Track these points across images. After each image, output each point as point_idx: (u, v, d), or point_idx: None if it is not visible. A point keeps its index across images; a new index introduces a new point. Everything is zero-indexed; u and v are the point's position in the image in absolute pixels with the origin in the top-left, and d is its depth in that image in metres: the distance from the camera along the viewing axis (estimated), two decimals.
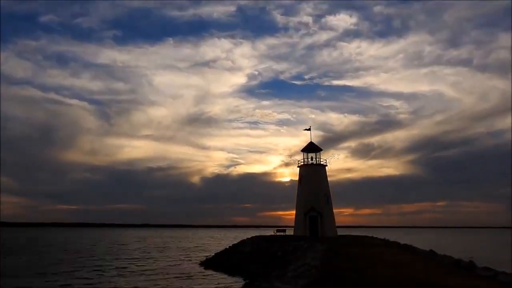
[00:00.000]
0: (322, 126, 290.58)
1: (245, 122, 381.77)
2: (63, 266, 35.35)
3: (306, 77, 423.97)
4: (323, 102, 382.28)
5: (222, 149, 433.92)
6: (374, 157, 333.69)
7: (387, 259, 18.25)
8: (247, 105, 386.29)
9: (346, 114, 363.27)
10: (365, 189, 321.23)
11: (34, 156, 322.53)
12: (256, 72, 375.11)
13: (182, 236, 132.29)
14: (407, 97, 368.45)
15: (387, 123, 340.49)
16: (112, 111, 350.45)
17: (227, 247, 42.05)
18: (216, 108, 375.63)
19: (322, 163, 43.35)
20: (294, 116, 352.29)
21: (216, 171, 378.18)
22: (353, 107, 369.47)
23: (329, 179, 43.58)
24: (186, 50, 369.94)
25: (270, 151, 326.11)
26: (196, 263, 38.42)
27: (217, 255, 39.37)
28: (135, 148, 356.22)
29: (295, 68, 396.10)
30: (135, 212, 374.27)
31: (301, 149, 44.85)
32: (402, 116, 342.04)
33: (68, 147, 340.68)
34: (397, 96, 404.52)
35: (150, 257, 45.84)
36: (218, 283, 26.18)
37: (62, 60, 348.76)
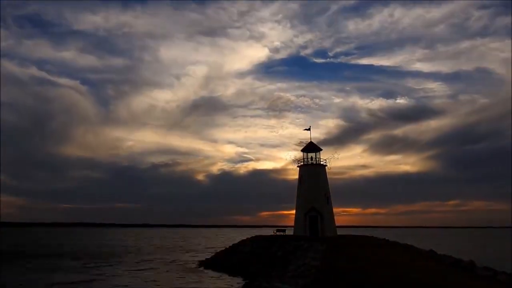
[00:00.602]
0: (345, 114, 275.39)
1: (259, 109, 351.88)
2: None
3: (330, 54, 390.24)
4: (348, 83, 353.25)
5: (231, 142, 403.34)
6: (395, 152, 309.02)
7: (387, 258, 18.26)
8: (262, 87, 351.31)
9: (373, 99, 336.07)
10: (376, 188, 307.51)
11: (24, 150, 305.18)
12: (276, 45, 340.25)
13: (183, 236, 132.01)
14: (446, 77, 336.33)
15: (419, 110, 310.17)
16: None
17: (227, 247, 42.04)
18: (228, 91, 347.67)
19: (322, 163, 43.38)
20: (315, 101, 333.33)
21: (224, 167, 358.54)
22: (383, 88, 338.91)
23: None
24: (193, 15, 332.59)
25: (284, 145, 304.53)
26: (196, 263, 38.41)
27: (217, 255, 39.35)
28: (137, 142, 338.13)
29: (319, 42, 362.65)
30: (134, 211, 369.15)
31: (301, 148, 44.89)
32: (437, 101, 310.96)
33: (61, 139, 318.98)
34: (435, 76, 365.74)
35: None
36: (218, 283, 26.19)
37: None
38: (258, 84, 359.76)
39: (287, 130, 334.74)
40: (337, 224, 43.98)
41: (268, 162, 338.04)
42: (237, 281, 26.18)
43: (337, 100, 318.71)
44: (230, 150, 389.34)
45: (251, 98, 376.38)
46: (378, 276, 12.51)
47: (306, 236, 39.09)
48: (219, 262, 35.25)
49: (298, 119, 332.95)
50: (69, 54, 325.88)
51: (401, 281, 11.54)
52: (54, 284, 25.67)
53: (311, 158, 43.81)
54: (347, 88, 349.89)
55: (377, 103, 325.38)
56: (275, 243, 34.00)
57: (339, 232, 44.61)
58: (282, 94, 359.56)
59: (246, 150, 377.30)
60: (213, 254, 42.34)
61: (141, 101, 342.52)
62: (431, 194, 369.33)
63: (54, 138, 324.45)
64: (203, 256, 43.70)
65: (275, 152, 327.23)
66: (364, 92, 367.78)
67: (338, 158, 44.21)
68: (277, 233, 46.81)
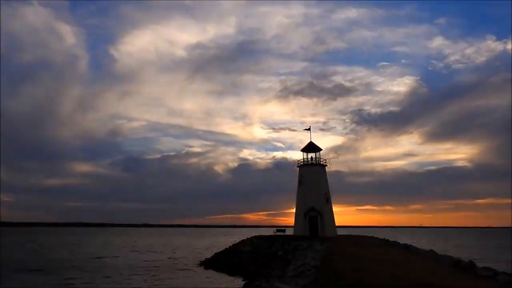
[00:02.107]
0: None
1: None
2: None
3: None
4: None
5: (262, 122, 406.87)
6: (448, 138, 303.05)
7: (387, 259, 18.26)
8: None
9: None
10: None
11: None
12: None
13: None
14: None
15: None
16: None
17: (227, 247, 42.03)
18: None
19: (322, 163, 43.37)
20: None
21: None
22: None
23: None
24: None
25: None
26: (196, 263, 38.41)
27: (217, 255, 39.36)
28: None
29: None
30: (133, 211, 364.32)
31: (301, 148, 44.88)
32: None
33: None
34: None
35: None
36: (218, 283, 26.19)
37: None
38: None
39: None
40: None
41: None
42: (237, 281, 26.19)
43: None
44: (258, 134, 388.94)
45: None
46: (378, 276, 12.52)
47: (306, 236, 39.10)
48: (219, 262, 35.26)
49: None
50: None
51: (401, 281, 11.55)
52: None
53: (311, 158, 43.82)
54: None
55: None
56: (275, 243, 34.02)
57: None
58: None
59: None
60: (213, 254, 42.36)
61: None
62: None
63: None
64: (203, 256, 43.70)
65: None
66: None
67: (338, 158, 44.22)
68: (277, 233, 46.83)
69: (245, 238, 43.14)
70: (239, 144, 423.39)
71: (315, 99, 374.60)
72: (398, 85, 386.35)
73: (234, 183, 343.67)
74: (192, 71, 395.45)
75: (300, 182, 43.11)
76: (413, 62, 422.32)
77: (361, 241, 35.47)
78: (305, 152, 44.15)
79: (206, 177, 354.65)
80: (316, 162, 43.39)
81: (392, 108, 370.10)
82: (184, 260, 42.36)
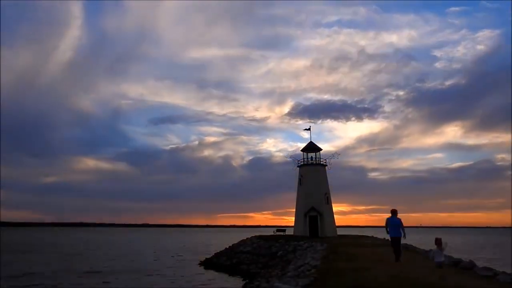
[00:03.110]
0: None
1: None
2: None
3: None
4: None
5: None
6: None
7: (387, 258, 18.25)
8: None
9: None
10: None
11: None
12: None
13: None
14: None
15: None
16: None
17: (227, 247, 42.05)
18: None
19: (322, 162, 43.41)
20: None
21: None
22: None
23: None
24: None
25: None
26: (196, 263, 38.42)
27: (217, 255, 39.37)
28: None
29: None
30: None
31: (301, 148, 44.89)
32: None
33: None
34: None
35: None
36: (218, 283, 26.18)
37: None
38: None
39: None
40: None
41: None
42: (237, 281, 26.19)
43: None
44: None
45: None
46: (377, 276, 12.52)
47: (306, 236, 39.14)
48: (219, 262, 35.27)
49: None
50: None
51: (401, 281, 11.54)
52: None
53: (311, 158, 43.89)
54: None
55: None
56: (275, 243, 34.03)
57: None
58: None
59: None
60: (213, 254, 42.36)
61: None
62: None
63: None
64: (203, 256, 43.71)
65: None
66: None
67: (338, 158, 44.29)
68: (277, 233, 46.88)
69: (244, 238, 43.17)
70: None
71: None
72: None
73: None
74: None
75: (300, 182, 43.16)
76: None
77: (362, 241, 35.47)
78: (305, 152, 44.21)
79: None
80: (316, 162, 43.44)
81: None
82: (184, 260, 42.37)
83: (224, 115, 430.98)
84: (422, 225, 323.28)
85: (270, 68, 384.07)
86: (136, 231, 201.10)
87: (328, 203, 42.31)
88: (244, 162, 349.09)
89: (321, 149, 44.15)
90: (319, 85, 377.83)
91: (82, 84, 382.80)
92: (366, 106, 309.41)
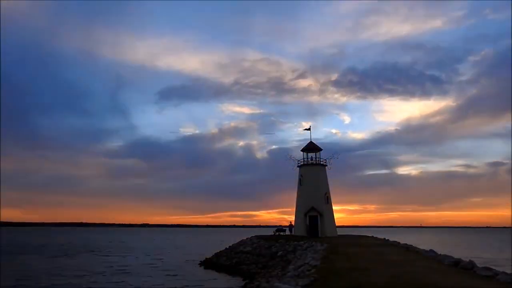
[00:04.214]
0: None
1: None
2: None
3: None
4: None
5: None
6: None
7: (387, 258, 18.26)
8: None
9: None
10: None
11: None
12: None
13: None
14: None
15: None
16: None
17: (227, 247, 42.03)
18: None
19: (322, 162, 43.41)
20: None
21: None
22: None
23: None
24: None
25: None
26: (196, 263, 38.40)
27: (217, 255, 39.34)
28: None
29: None
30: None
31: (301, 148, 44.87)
32: None
33: None
34: None
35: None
36: (218, 283, 26.16)
37: None
38: None
39: None
40: None
41: None
42: (237, 281, 26.18)
43: None
44: None
45: None
46: (378, 276, 12.51)
47: (306, 236, 39.14)
48: (219, 262, 35.25)
49: None
50: None
51: (401, 281, 11.54)
52: None
53: (311, 158, 43.90)
54: None
55: None
56: (275, 243, 34.02)
57: None
58: None
59: None
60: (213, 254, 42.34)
61: None
62: None
63: None
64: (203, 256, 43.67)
65: None
66: None
67: (338, 158, 44.25)
68: (277, 233, 46.89)
69: (244, 238, 43.13)
70: None
71: None
72: None
73: None
74: None
75: (300, 182, 43.16)
76: None
77: (361, 241, 35.48)
78: (305, 152, 44.21)
79: None
80: (316, 162, 43.44)
81: None
82: (184, 260, 42.35)
83: None
84: (422, 225, 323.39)
85: None
86: (136, 231, 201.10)
87: (328, 203, 42.31)
88: None
89: (321, 149, 44.15)
90: None
91: None
92: None
